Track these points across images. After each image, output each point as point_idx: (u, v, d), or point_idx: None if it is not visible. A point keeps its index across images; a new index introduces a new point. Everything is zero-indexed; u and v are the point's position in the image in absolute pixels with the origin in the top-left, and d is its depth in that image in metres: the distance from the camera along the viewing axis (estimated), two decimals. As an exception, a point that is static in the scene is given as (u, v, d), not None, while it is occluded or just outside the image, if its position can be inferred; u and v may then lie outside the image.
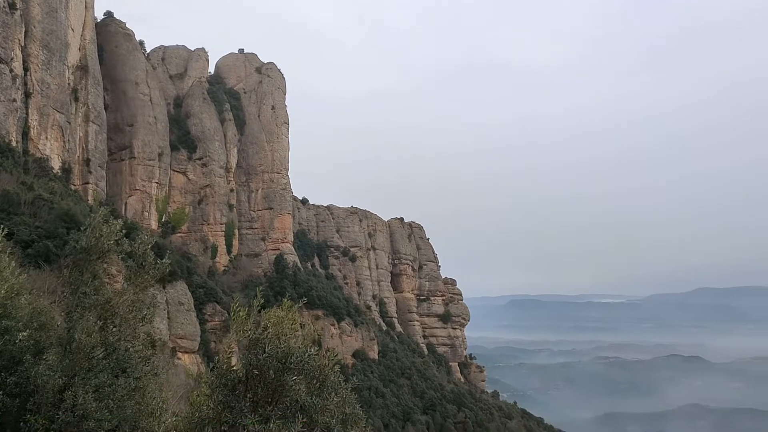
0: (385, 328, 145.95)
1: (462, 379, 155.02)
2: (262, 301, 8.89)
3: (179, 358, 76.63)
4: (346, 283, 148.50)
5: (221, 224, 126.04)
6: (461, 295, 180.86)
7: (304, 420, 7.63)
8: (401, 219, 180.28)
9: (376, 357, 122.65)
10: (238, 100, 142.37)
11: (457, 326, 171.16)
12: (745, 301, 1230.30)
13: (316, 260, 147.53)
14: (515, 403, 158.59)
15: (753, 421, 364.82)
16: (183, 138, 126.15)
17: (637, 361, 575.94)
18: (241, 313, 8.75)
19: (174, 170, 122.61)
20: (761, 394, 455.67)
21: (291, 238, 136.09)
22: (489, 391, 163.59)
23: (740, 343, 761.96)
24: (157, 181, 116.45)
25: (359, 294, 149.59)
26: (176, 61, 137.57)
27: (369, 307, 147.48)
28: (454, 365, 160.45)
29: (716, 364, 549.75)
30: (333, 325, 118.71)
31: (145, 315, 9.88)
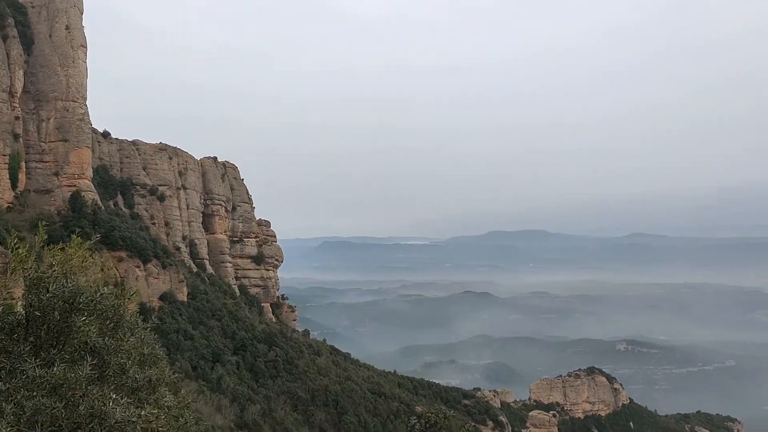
0: (195, 269, 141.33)
1: (274, 320, 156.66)
2: (46, 236, 7.97)
3: (-50, 306, 67.56)
4: (154, 224, 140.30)
5: (4, 156, 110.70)
6: (275, 236, 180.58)
7: (95, 362, 7.16)
8: (214, 158, 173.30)
9: (186, 299, 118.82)
10: (24, 15, 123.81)
11: (270, 267, 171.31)
12: (528, 243, 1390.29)
13: (119, 199, 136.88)
14: (324, 340, 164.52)
15: (527, 347, 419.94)
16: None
17: (435, 298, 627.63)
18: (20, 251, 7.83)
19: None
20: (534, 323, 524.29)
21: (90, 174, 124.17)
22: (300, 330, 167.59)
23: (521, 280, 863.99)
24: None
25: (168, 235, 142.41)
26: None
27: (178, 249, 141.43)
28: (267, 306, 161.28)
29: (501, 299, 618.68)
30: (138, 266, 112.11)
31: None
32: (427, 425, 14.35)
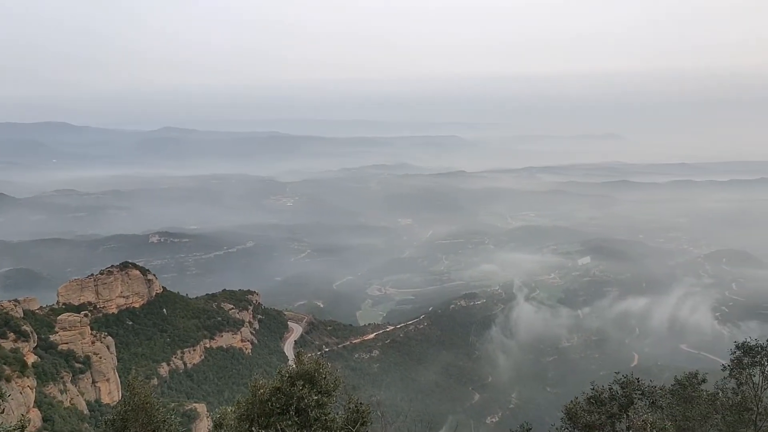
0: None
1: None
2: None
3: None
4: None
5: None
6: None
7: None
8: None
9: None
10: None
11: None
12: (50, 137, 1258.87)
13: None
14: None
15: (54, 249, 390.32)
16: None
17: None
18: None
19: None
20: (61, 223, 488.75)
21: None
22: None
23: (45, 177, 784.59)
24: None
25: None
26: None
27: None
28: None
29: (21, 200, 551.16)
30: None
31: None
32: None
